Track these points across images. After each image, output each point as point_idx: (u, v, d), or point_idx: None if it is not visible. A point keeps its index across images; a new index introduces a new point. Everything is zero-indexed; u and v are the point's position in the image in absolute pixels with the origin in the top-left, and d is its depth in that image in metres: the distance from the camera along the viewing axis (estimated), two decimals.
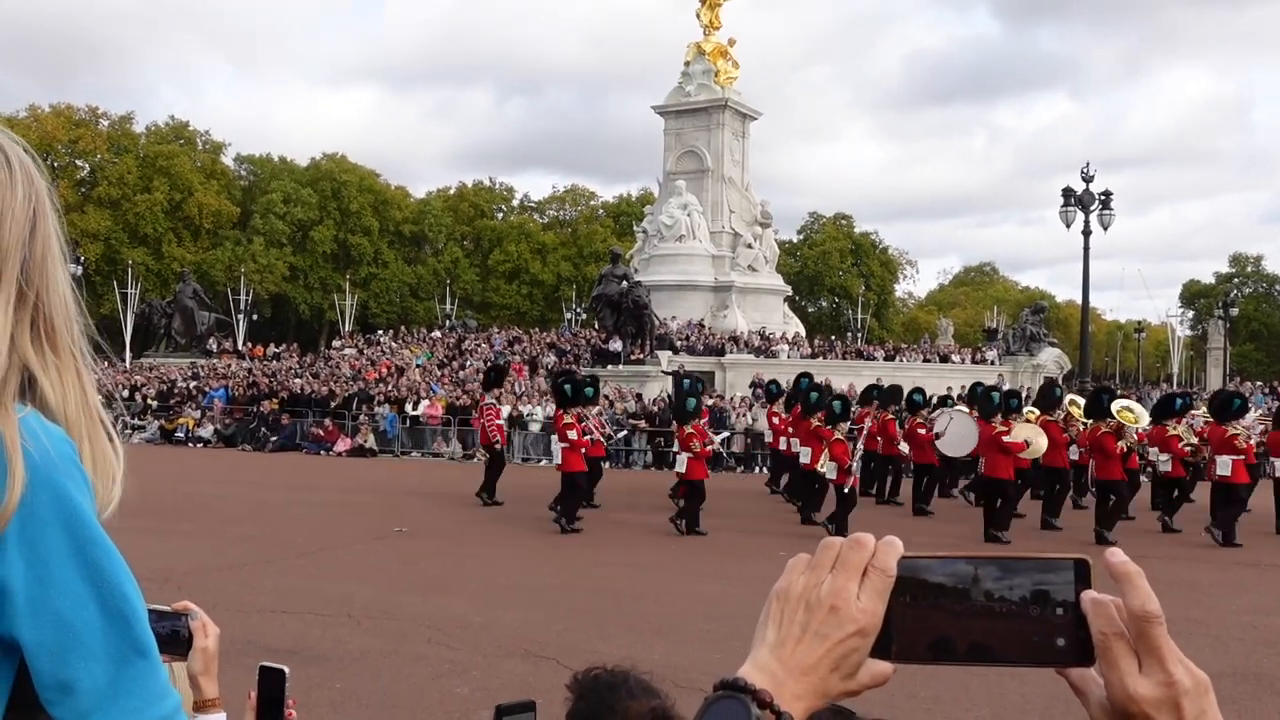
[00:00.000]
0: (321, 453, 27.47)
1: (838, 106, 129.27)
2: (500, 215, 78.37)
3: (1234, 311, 55.16)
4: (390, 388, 30.34)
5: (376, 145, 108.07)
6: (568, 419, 15.07)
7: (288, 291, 67.30)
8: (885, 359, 35.31)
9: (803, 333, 38.88)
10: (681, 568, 11.87)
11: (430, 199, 76.16)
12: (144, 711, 0.88)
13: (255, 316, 57.67)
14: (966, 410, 17.40)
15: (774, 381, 21.92)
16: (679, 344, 32.14)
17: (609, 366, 29.92)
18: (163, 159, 63.54)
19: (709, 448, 15.41)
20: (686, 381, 18.00)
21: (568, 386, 15.67)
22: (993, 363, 35.52)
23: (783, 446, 18.59)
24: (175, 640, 1.98)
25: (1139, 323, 71.29)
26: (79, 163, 64.84)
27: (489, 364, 20.41)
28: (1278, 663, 8.07)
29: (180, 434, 30.21)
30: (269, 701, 2.06)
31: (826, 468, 14.61)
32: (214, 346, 41.83)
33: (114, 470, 1.08)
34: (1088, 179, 28.25)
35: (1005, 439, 14.40)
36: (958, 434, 16.55)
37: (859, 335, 53.44)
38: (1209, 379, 57.99)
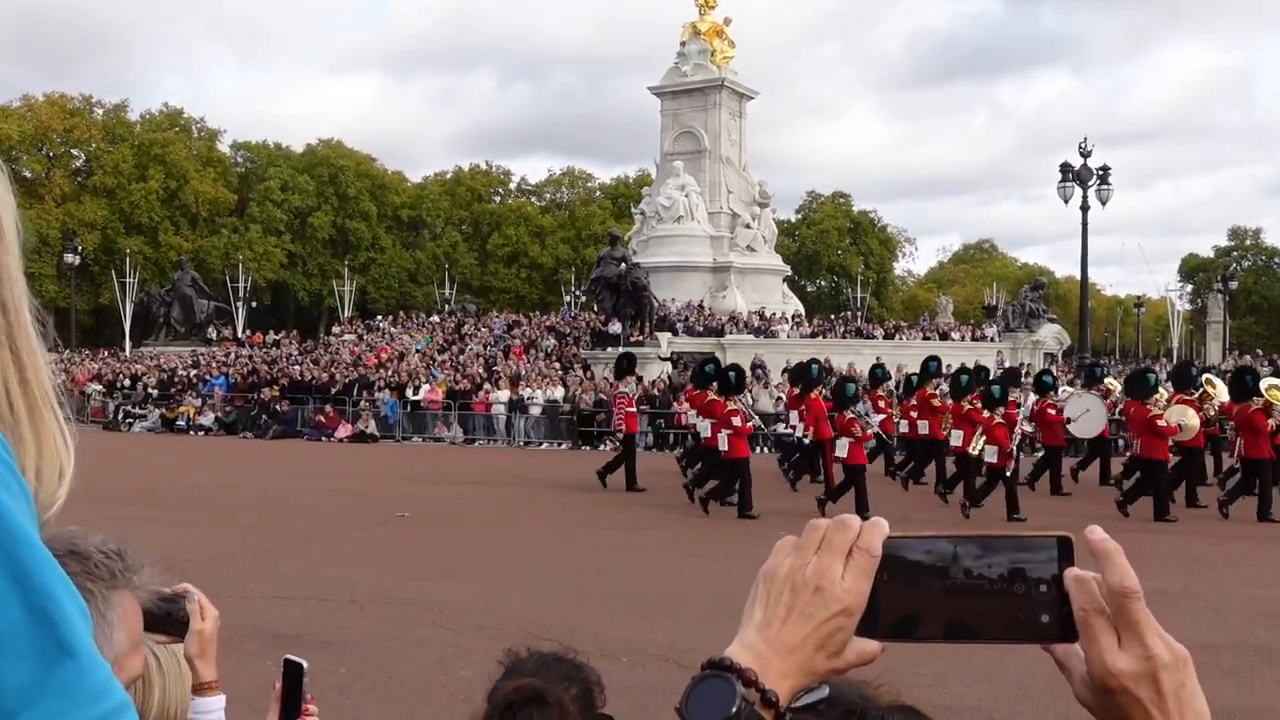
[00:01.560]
0: (322, 439, 27.51)
1: (841, 86, 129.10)
2: (498, 199, 78.21)
3: (1233, 285, 55.17)
4: (390, 373, 30.36)
5: (379, 131, 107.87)
6: (732, 405, 14.96)
7: (286, 278, 67.25)
8: (885, 337, 35.30)
9: (802, 312, 38.86)
10: (685, 549, 11.91)
11: (427, 183, 76.02)
12: (71, 713, 0.85)
13: (254, 304, 57.63)
14: (1099, 392, 17.84)
15: (879, 366, 21.70)
16: (678, 325, 32.13)
17: (608, 349, 29.92)
18: (158, 147, 63.35)
19: (869, 431, 15.41)
20: (815, 367, 18.17)
21: (732, 373, 15.61)
22: (992, 339, 35.52)
23: (904, 429, 18.48)
24: (171, 622, 2.00)
25: (1138, 298, 71.24)
26: (74, 152, 64.67)
27: (620, 354, 20.34)
28: (1276, 634, 8.12)
29: (181, 422, 30.27)
30: (290, 693, 2.09)
31: (986, 451, 14.66)
32: (214, 334, 41.85)
33: (61, 464, 1.00)
34: (1085, 154, 28.20)
35: (1160, 422, 14.55)
36: (1088, 416, 16.90)
37: (858, 314, 53.38)
38: (1208, 353, 57.94)
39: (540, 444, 26.72)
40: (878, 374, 20.74)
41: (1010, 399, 16.01)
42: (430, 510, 14.67)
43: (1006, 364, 30.35)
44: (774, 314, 35.07)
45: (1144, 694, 0.81)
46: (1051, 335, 36.92)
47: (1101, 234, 51.58)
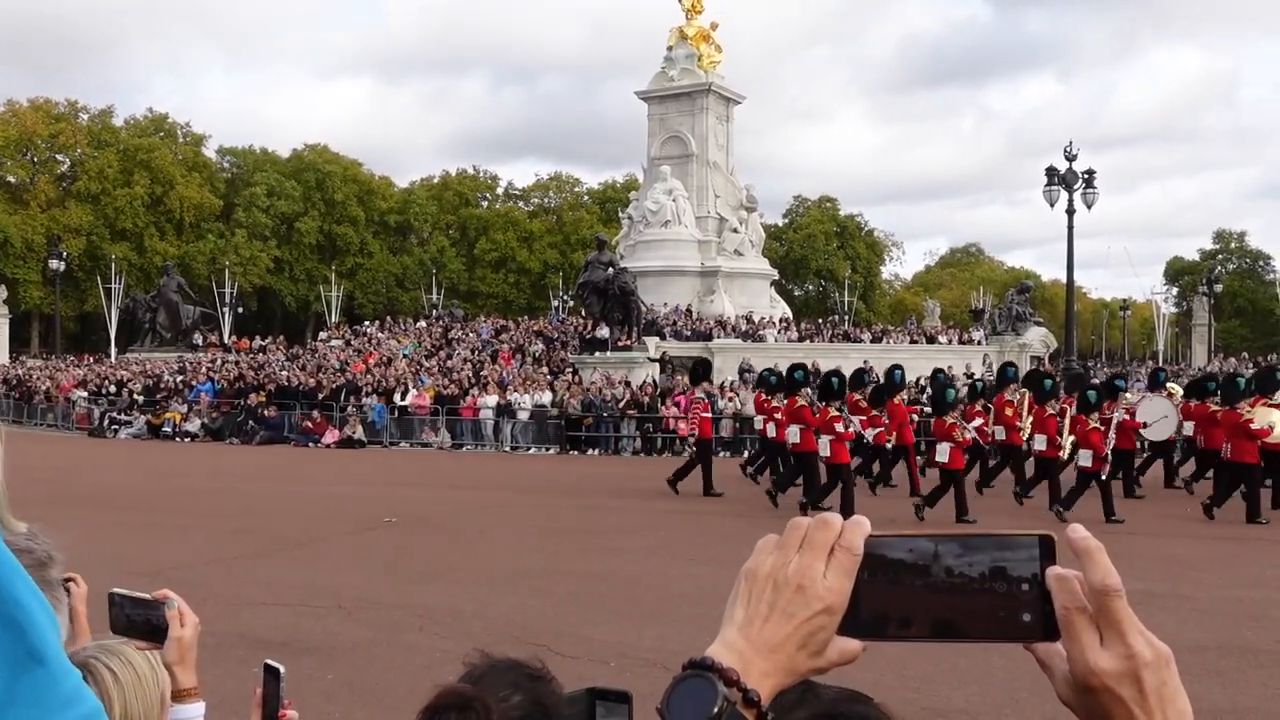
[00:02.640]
0: (310, 445, 27.42)
1: (830, 90, 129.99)
2: (485, 204, 78.18)
3: (1218, 288, 55.46)
4: (378, 379, 30.29)
5: (369, 136, 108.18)
6: (834, 411, 15.08)
7: (273, 284, 67.08)
8: (872, 341, 35.38)
9: (790, 316, 38.92)
10: (673, 552, 11.91)
11: (414, 188, 75.92)
12: None
13: (240, 309, 57.47)
14: (1165, 395, 18.10)
15: (940, 370, 21.72)
16: (666, 330, 32.15)
17: (597, 353, 29.93)
18: (143, 152, 63.10)
19: (968, 436, 15.48)
20: (898, 373, 18.49)
21: (834, 380, 15.78)
22: (979, 343, 35.63)
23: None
24: (150, 628, 1.99)
25: (1124, 301, 71.61)
26: (59, 157, 64.38)
27: (695, 360, 20.35)
28: (1261, 635, 8.15)
29: (167, 429, 30.12)
30: (270, 698, 2.10)
31: (1080, 455, 14.75)
32: (200, 340, 41.64)
33: None
34: (1070, 158, 28.33)
35: (1252, 426, 14.68)
36: (1160, 419, 17.18)
37: (845, 318, 53.52)
38: (1194, 355, 58.30)
39: (528, 449, 26.70)
40: (939, 378, 20.63)
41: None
42: (418, 515, 14.63)
43: (994, 367, 30.45)
44: (761, 318, 35.11)
45: (1126, 693, 0.82)
46: (1038, 338, 37.05)
47: (1088, 237, 52.13)
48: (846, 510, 14.07)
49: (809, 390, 16.82)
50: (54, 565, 1.66)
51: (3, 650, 0.85)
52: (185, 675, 2.00)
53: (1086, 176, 28.47)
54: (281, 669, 2.10)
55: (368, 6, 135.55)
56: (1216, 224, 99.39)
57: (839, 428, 14.79)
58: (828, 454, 14.70)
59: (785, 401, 16.31)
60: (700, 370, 19.38)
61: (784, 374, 17.19)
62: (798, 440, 15.43)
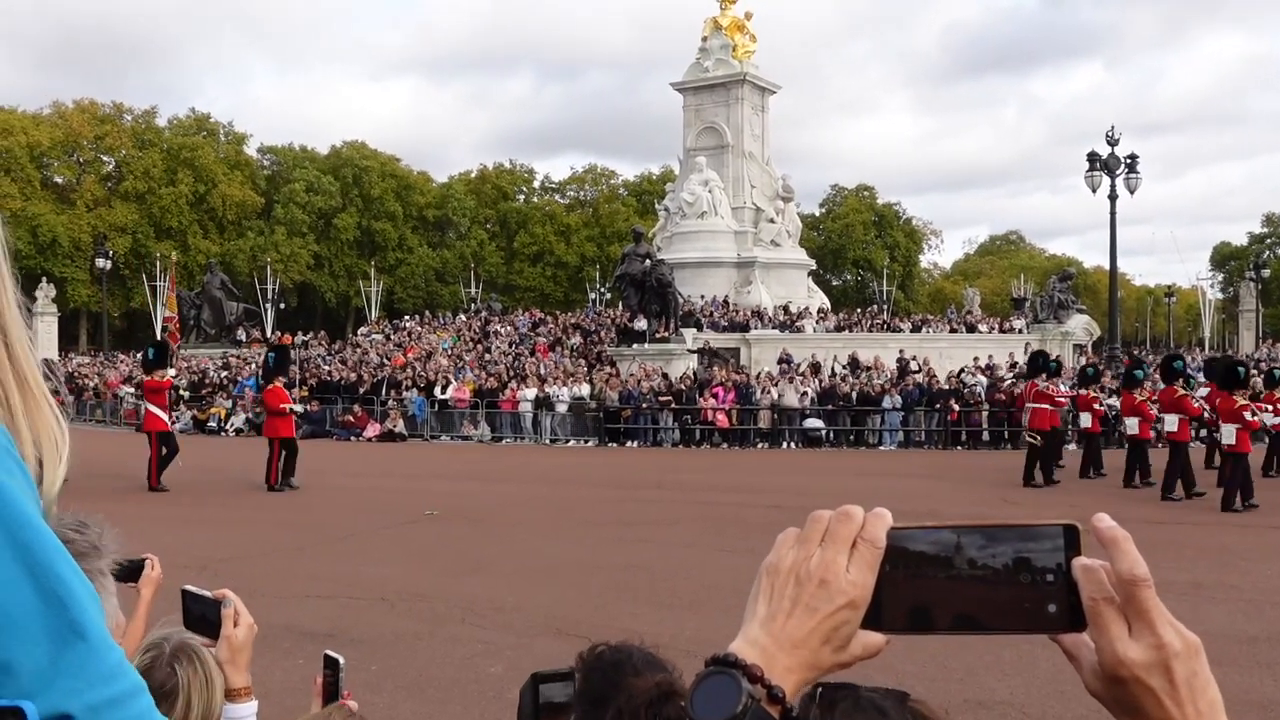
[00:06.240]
0: (351, 439, 27.69)
1: (872, 81, 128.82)
2: (521, 197, 78.39)
3: (1265, 273, 54.42)
4: (418, 372, 30.52)
5: (415, 135, 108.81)
6: (1241, 401, 15.36)
7: (313, 280, 67.73)
8: (912, 330, 35.09)
9: (828, 306, 38.69)
10: (712, 544, 11.90)
11: (452, 183, 76.27)
12: (84, 693, 0.87)
13: (282, 305, 58.06)
14: None
15: (1140, 361, 21.69)
16: (703, 321, 32.10)
17: (635, 345, 29.96)
18: (186, 151, 63.93)
19: (1255, 418, 15.88)
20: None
21: (1240, 369, 16.16)
22: (1021, 331, 35.22)
23: (1275, 421, 18.23)
24: (205, 624, 2.05)
25: (1169, 287, 70.45)
26: (105, 158, 65.34)
27: (1030, 352, 20.29)
28: None
29: (213, 424, 30.53)
30: (329, 687, 2.16)
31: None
32: (243, 336, 42.13)
33: (58, 447, 1.01)
34: (1113, 143, 27.94)
35: None
36: None
37: (885, 307, 53.07)
38: (1241, 341, 57.21)
39: (567, 441, 26.78)
40: (1276, 374, 20.00)
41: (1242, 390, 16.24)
42: (459, 508, 14.74)
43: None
44: (799, 308, 34.93)
45: (1156, 683, 0.81)
46: (1080, 326, 36.53)
47: (1132, 224, 51.40)
48: (1228, 502, 14.12)
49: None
50: (98, 557, 1.70)
51: (46, 624, 0.87)
52: (236, 675, 2.05)
53: (1129, 161, 28.08)
54: (341, 659, 2.14)
55: (415, 8, 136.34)
56: (1263, 208, 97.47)
57: (1248, 415, 15.11)
58: (1232, 442, 14.96)
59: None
60: (1040, 361, 19.46)
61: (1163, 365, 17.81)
62: (1174, 429, 15.96)
